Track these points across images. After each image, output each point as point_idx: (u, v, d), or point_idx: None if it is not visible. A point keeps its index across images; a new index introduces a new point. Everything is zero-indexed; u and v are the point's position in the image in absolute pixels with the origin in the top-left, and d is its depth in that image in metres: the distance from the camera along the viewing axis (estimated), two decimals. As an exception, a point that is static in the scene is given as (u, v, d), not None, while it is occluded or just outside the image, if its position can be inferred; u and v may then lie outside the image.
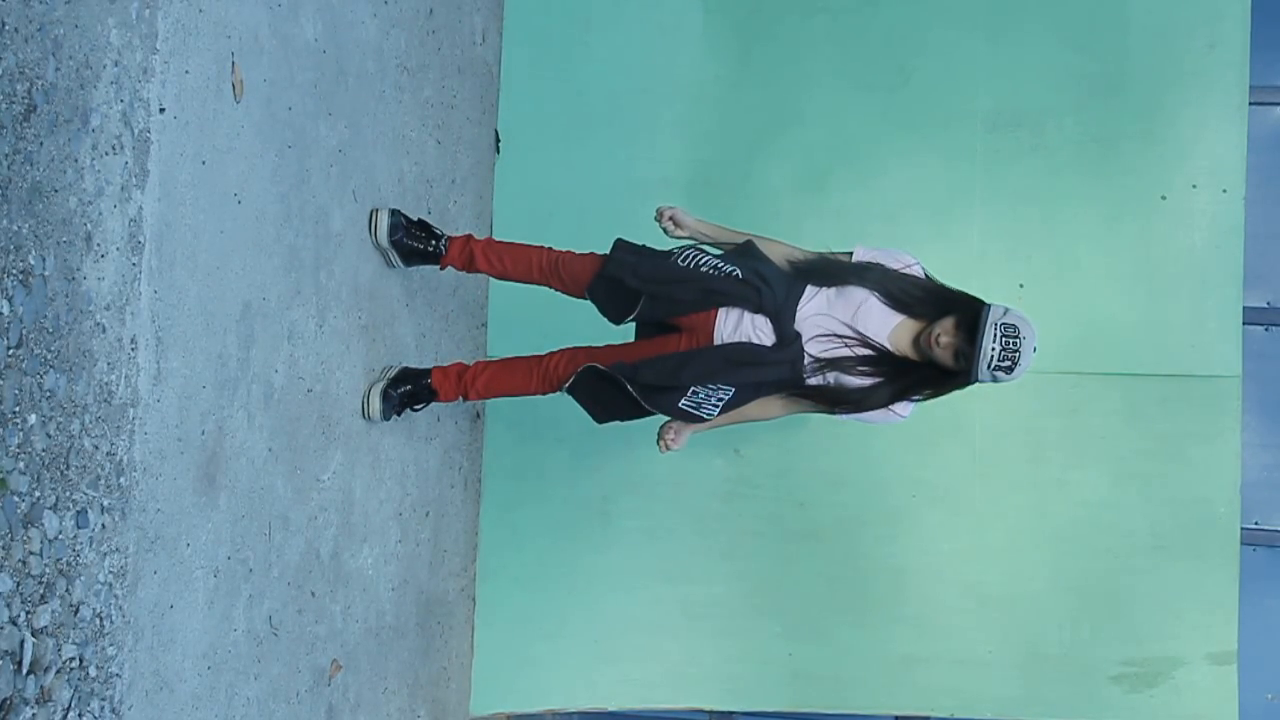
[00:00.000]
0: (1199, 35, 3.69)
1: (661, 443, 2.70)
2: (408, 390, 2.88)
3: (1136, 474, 3.68)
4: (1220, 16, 3.68)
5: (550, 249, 2.81)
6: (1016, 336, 2.43)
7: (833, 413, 2.64)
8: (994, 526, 3.72)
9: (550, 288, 2.82)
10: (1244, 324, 3.68)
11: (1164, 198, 3.70)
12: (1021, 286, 3.70)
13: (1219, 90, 3.68)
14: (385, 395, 2.82)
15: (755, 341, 2.59)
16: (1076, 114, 3.73)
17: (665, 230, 2.74)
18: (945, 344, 2.48)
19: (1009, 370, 2.44)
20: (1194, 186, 3.70)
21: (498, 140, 3.82)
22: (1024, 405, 3.69)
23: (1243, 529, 3.67)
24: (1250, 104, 3.69)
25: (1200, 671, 3.66)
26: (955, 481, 3.72)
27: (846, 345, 2.56)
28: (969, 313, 2.49)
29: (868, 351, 2.56)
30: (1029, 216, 3.74)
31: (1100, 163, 3.72)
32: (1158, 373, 3.69)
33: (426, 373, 2.92)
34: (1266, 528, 3.80)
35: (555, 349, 2.84)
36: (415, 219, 2.87)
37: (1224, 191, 3.69)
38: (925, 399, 2.63)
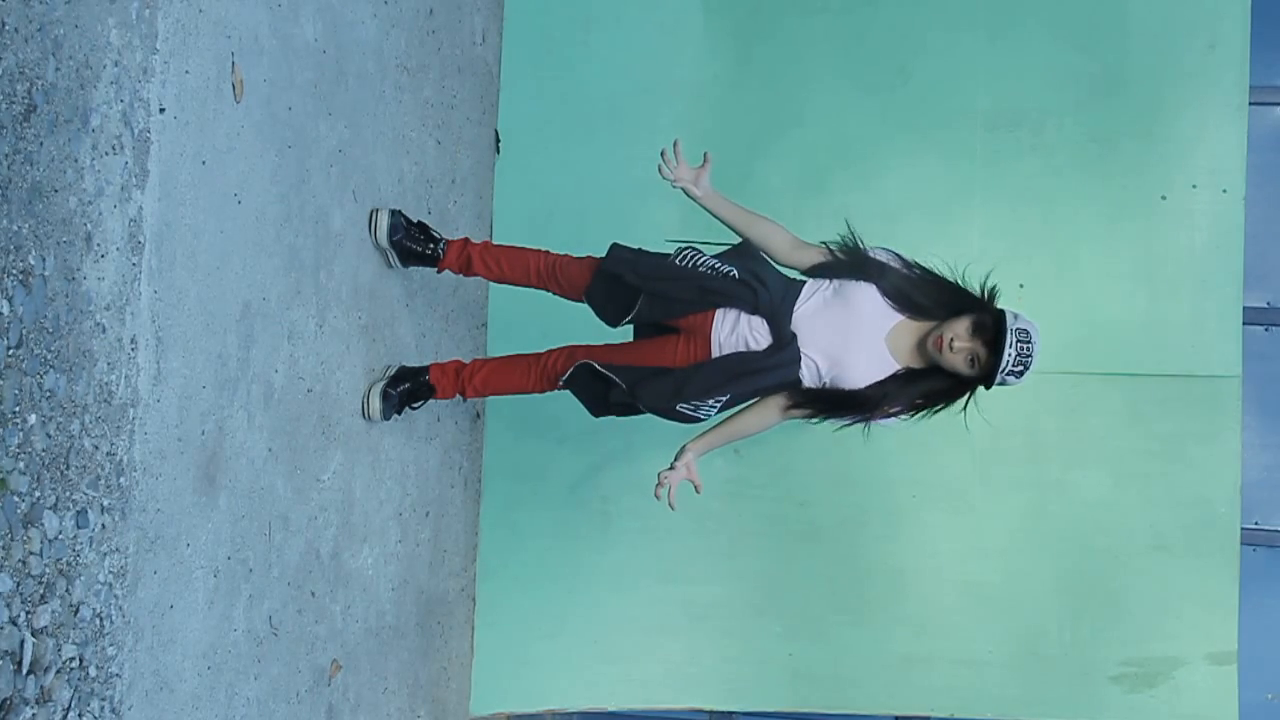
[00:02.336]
0: (1199, 35, 3.69)
1: (666, 490, 2.57)
2: (406, 388, 2.88)
3: (1136, 474, 3.68)
4: (1220, 16, 3.68)
5: (548, 252, 2.81)
6: (1029, 341, 2.42)
7: (827, 418, 2.61)
8: (994, 526, 3.72)
9: (548, 291, 2.82)
10: (1244, 324, 3.68)
11: (1164, 198, 3.70)
12: (1021, 286, 3.70)
13: (1219, 90, 3.68)
14: (385, 395, 2.82)
15: (751, 343, 2.58)
16: (1076, 114, 3.73)
17: (664, 171, 2.57)
18: (959, 349, 2.43)
19: (1019, 375, 2.43)
20: (1194, 186, 3.70)
21: (498, 140, 3.82)
22: (1024, 405, 3.69)
23: (1243, 529, 3.67)
24: (1250, 104, 3.69)
25: (1200, 671, 3.66)
26: (955, 481, 3.72)
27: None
28: (983, 317, 2.46)
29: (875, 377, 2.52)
30: (1029, 216, 3.74)
31: (1100, 163, 3.72)
32: (1158, 373, 3.69)
33: (424, 370, 2.93)
34: (1266, 528, 3.80)
35: (554, 347, 2.84)
36: (415, 221, 2.87)
37: (1224, 191, 3.69)
38: (937, 412, 2.58)
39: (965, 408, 2.57)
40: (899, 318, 2.54)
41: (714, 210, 2.64)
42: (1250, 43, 3.67)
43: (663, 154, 2.60)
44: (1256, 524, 3.78)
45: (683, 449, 2.62)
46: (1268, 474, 3.80)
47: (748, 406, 2.65)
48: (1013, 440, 3.71)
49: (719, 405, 2.63)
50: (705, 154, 2.62)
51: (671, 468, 2.59)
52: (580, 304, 2.78)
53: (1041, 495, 3.71)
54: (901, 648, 3.74)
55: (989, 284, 2.54)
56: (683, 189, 2.61)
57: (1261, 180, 3.76)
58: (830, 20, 3.83)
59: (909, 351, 2.54)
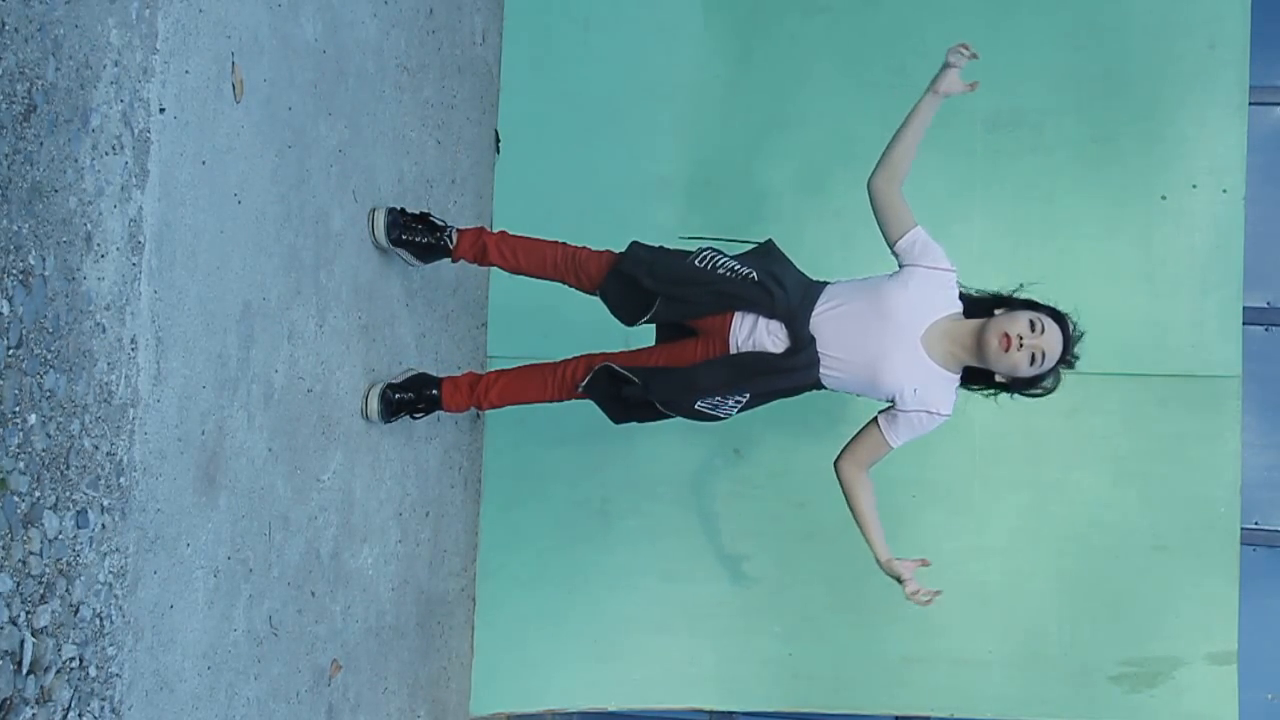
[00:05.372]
0: (1199, 35, 3.69)
1: (924, 594, 2.67)
2: (409, 397, 2.86)
3: (1136, 474, 3.68)
4: (1220, 16, 3.68)
5: (565, 244, 2.77)
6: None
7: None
8: (994, 526, 3.71)
9: (564, 283, 2.79)
10: (1244, 324, 3.67)
11: (1164, 198, 3.70)
12: (1021, 286, 3.69)
13: (1219, 90, 3.68)
14: (383, 396, 2.81)
15: (769, 347, 2.57)
16: (1076, 114, 3.73)
17: (954, 56, 2.59)
18: (1028, 345, 2.44)
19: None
20: (1194, 186, 3.69)
21: (498, 140, 3.82)
22: (1024, 405, 3.68)
23: (1243, 529, 3.67)
24: (1250, 104, 3.68)
25: (1200, 671, 3.66)
26: (955, 481, 3.72)
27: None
28: (1045, 314, 2.49)
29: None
30: (1029, 216, 3.73)
31: (1100, 162, 3.71)
32: (1158, 373, 3.68)
33: (435, 383, 2.90)
34: (1266, 528, 3.80)
35: (568, 356, 2.80)
36: (415, 214, 2.85)
37: (1224, 191, 3.68)
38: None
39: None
40: (936, 318, 2.52)
41: (920, 112, 2.65)
42: (1250, 43, 3.67)
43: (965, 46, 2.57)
44: (1256, 524, 3.77)
45: (888, 566, 2.71)
46: (1268, 474, 3.79)
47: (850, 462, 2.67)
48: (1013, 440, 3.71)
49: (739, 406, 2.60)
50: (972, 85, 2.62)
51: (905, 586, 2.68)
52: (584, 304, 2.77)
53: (1041, 495, 3.71)
54: (901, 648, 3.73)
55: (1010, 287, 2.60)
56: (951, 67, 2.60)
57: (1261, 180, 3.76)
58: (830, 20, 3.83)
59: (945, 353, 2.54)
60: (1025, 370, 2.46)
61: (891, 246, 2.61)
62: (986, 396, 2.68)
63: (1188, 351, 3.67)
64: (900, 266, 2.62)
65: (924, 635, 3.74)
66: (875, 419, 2.63)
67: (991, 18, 3.78)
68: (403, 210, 2.83)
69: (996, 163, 3.74)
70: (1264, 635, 3.74)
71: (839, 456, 2.68)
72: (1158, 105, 3.70)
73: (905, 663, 3.74)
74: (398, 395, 2.84)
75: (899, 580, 2.64)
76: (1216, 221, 3.68)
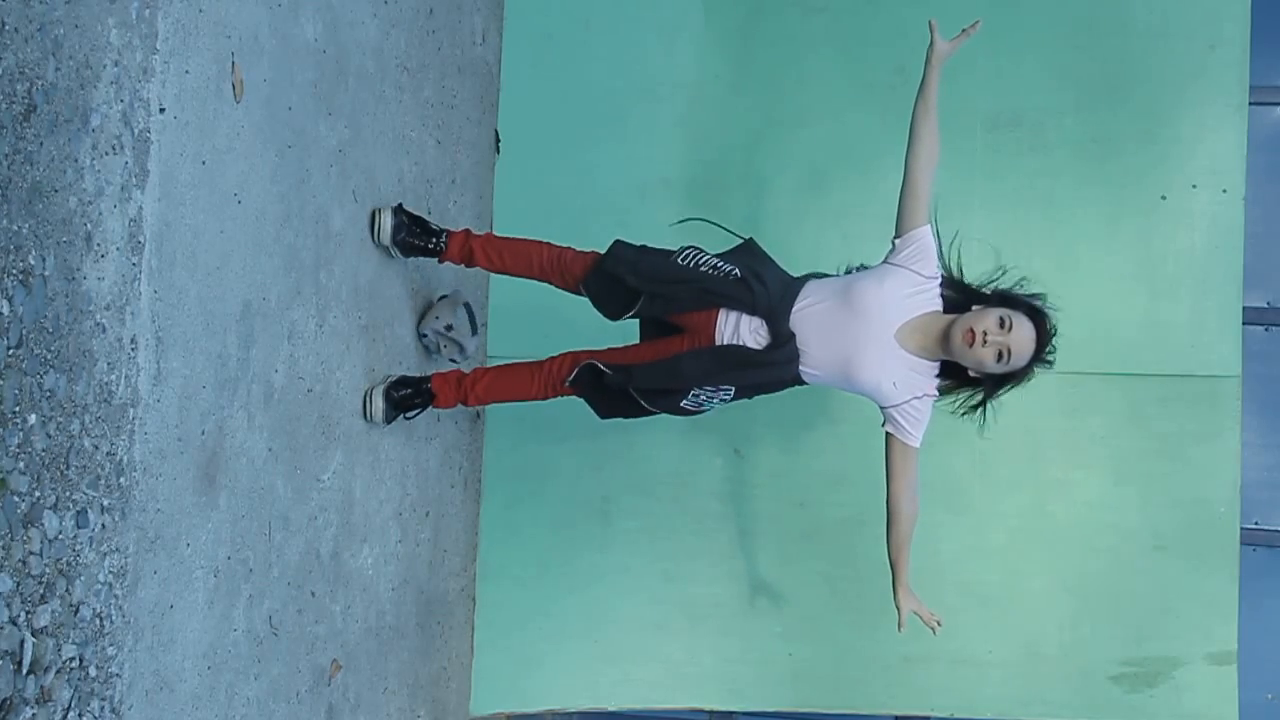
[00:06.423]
0: (1199, 35, 3.69)
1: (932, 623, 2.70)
2: (407, 394, 2.87)
3: (1136, 474, 3.68)
4: (1220, 16, 3.68)
5: (550, 245, 2.80)
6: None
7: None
8: (994, 526, 3.71)
9: (550, 284, 2.82)
10: (1244, 324, 3.68)
11: (1164, 198, 3.70)
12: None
13: (1219, 90, 3.68)
14: (386, 396, 2.81)
15: (751, 343, 2.58)
16: (1076, 114, 3.73)
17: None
18: (992, 342, 2.43)
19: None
20: (1194, 186, 3.69)
21: (498, 140, 3.82)
22: (1024, 405, 3.68)
23: (1243, 529, 3.67)
24: (1250, 104, 3.68)
25: (1200, 671, 3.66)
26: (955, 481, 3.72)
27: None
28: (1021, 311, 2.47)
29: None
30: (1029, 216, 3.73)
31: (1100, 163, 3.72)
32: (1158, 373, 3.68)
33: (426, 378, 2.92)
34: (1266, 528, 3.80)
35: (556, 353, 2.83)
36: (414, 215, 2.87)
37: (1224, 191, 3.68)
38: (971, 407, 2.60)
39: (985, 406, 2.61)
40: (910, 316, 2.52)
41: (928, 79, 2.65)
42: (1250, 43, 3.67)
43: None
44: (1256, 524, 3.78)
45: (896, 601, 2.71)
46: (1268, 474, 3.80)
47: (890, 494, 2.68)
48: (1013, 440, 3.71)
49: (724, 403, 2.63)
50: (976, 22, 2.70)
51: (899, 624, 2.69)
52: (582, 304, 2.78)
53: (1041, 495, 3.71)
54: (901, 648, 3.73)
55: (993, 279, 2.57)
56: (931, 30, 2.67)
57: (1261, 180, 3.76)
58: (830, 20, 3.83)
59: (919, 346, 2.54)
60: (992, 366, 2.46)
61: (895, 236, 2.60)
62: (962, 402, 2.65)
63: (1187, 351, 3.67)
64: (884, 261, 2.61)
65: (924, 635, 3.73)
66: (885, 434, 2.63)
67: (991, 18, 3.77)
68: (405, 211, 2.84)
69: (996, 163, 3.74)
70: (1264, 635, 3.74)
71: (887, 491, 2.69)
72: (1158, 105, 3.70)
73: (905, 663, 3.74)
74: (399, 393, 2.85)
75: (898, 609, 2.67)
76: (1216, 221, 3.68)
